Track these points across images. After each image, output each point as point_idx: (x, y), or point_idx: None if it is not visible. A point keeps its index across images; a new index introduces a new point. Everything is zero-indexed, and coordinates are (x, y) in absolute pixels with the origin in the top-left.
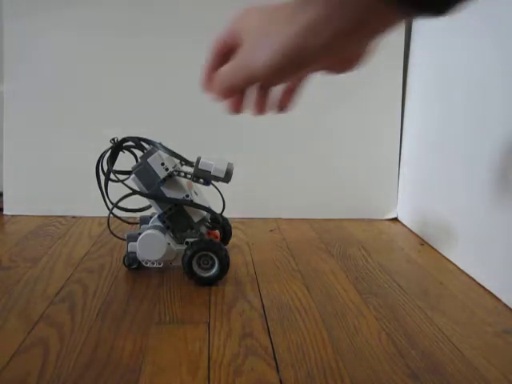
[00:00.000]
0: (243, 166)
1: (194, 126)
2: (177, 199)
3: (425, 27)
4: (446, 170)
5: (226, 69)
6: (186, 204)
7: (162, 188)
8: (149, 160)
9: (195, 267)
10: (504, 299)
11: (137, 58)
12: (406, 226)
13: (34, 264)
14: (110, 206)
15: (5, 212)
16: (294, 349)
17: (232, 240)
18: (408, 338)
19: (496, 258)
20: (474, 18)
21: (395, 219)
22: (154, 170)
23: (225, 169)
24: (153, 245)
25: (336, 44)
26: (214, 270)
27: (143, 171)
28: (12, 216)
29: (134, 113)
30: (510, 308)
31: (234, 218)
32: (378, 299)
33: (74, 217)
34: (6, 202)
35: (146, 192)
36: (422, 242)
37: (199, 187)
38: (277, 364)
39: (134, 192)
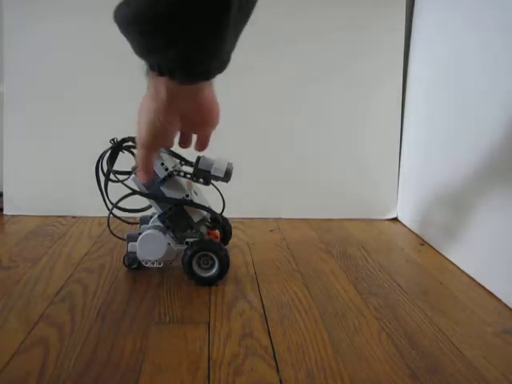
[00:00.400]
0: (243, 166)
1: None
2: (176, 199)
3: (425, 28)
4: (446, 169)
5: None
6: (185, 204)
7: (161, 188)
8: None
9: (195, 267)
10: (504, 299)
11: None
12: (406, 226)
13: (34, 264)
14: (110, 206)
15: (5, 212)
16: (294, 349)
17: (232, 240)
18: (408, 338)
19: (496, 257)
20: (480, 13)
21: (395, 219)
22: (153, 170)
23: (224, 169)
24: (153, 245)
25: (170, 113)
26: (214, 270)
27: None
28: (12, 216)
29: (134, 113)
30: (510, 308)
31: (234, 218)
32: (378, 299)
33: (74, 217)
34: (5, 202)
35: (146, 192)
36: (422, 242)
37: (199, 187)
38: (277, 364)
39: (134, 192)
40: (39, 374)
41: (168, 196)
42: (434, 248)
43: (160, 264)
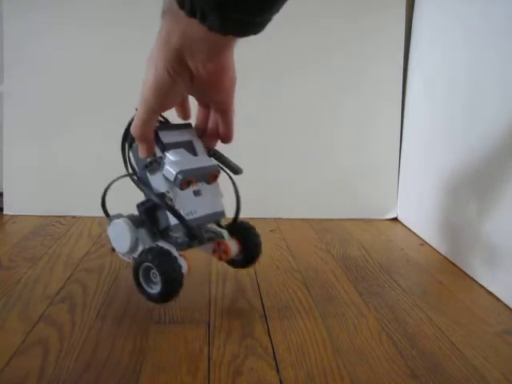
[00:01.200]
0: (243, 166)
1: None
2: (148, 192)
3: (424, 28)
4: (446, 170)
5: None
6: (154, 200)
7: (147, 174)
8: None
9: (142, 280)
10: (504, 299)
11: (139, 56)
12: (406, 226)
13: (33, 264)
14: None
15: (5, 212)
16: (294, 349)
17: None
18: (408, 338)
19: (496, 257)
20: (475, 15)
21: (395, 219)
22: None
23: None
24: (118, 236)
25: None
26: (158, 287)
27: (135, 149)
28: (12, 216)
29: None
30: (510, 308)
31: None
32: (378, 299)
33: (74, 217)
34: (5, 202)
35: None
36: (422, 242)
37: (213, 187)
38: (277, 364)
39: (125, 175)
40: (39, 374)
41: (152, 185)
42: (433, 248)
43: (129, 259)
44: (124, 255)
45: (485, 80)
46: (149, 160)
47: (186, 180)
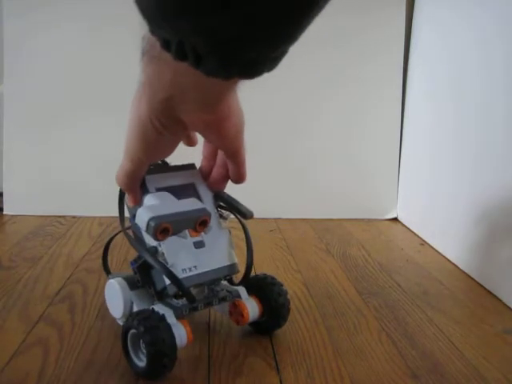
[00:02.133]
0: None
1: None
2: (138, 247)
3: (425, 27)
4: (446, 169)
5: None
6: (143, 256)
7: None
8: None
9: (130, 348)
10: (504, 299)
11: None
12: (405, 226)
13: (33, 264)
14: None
15: (5, 212)
16: (294, 349)
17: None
18: (408, 338)
19: (497, 258)
20: (480, 13)
21: (395, 219)
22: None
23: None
24: (112, 298)
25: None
26: (143, 361)
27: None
28: (12, 216)
29: None
30: (510, 308)
31: (234, 218)
32: (378, 299)
33: (74, 217)
34: (5, 202)
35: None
36: (422, 242)
37: (221, 236)
38: (277, 364)
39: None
40: (39, 374)
41: (144, 239)
42: (433, 248)
43: (122, 323)
44: (120, 320)
45: (487, 79)
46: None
47: (159, 228)
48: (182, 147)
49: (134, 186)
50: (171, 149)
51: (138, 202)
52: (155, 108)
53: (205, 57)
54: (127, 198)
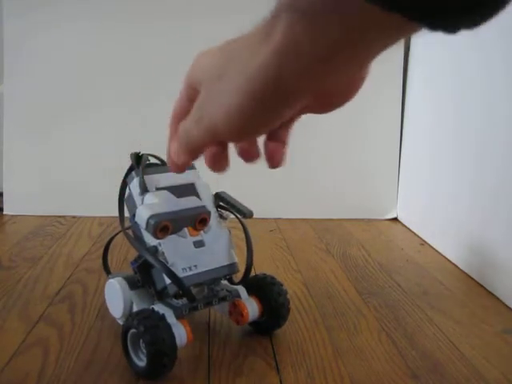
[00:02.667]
0: (243, 166)
1: None
2: (138, 246)
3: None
4: (446, 169)
5: (184, 126)
6: (144, 256)
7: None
8: (130, 185)
9: (130, 347)
10: (504, 299)
11: (139, 59)
12: (405, 226)
13: (33, 264)
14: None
15: (5, 212)
16: (294, 349)
17: (232, 240)
18: (408, 338)
19: (497, 258)
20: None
21: (395, 219)
22: (133, 200)
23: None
24: (112, 298)
25: (320, 70)
26: (143, 360)
27: (128, 197)
28: (12, 216)
29: (135, 113)
30: (510, 308)
31: (234, 218)
32: (378, 299)
33: (74, 217)
34: (5, 202)
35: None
36: (422, 242)
37: (221, 236)
38: (277, 364)
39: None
40: (39, 374)
41: (144, 238)
42: (433, 248)
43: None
44: (120, 320)
45: (487, 79)
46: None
47: (159, 226)
48: None
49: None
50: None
51: (183, 170)
52: (294, 74)
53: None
54: (179, 157)
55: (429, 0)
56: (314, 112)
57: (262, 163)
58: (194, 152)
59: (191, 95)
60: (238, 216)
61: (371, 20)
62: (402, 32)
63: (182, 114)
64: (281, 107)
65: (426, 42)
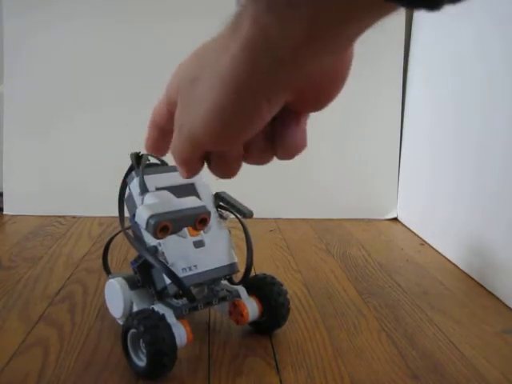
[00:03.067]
0: (243, 167)
1: None
2: (138, 246)
3: (425, 27)
4: (446, 169)
5: (173, 142)
6: (144, 256)
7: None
8: (130, 185)
9: (130, 347)
10: (504, 299)
11: (139, 59)
12: (405, 226)
13: (33, 264)
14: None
15: (5, 212)
16: (294, 349)
17: (232, 240)
18: (408, 338)
19: (497, 258)
20: (479, 13)
21: (395, 219)
22: (133, 200)
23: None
24: (112, 298)
25: (294, 60)
26: (143, 360)
27: (128, 197)
28: (12, 216)
29: (135, 113)
30: (510, 308)
31: (234, 218)
32: (378, 299)
33: (74, 217)
34: (5, 202)
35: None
36: (422, 242)
37: (221, 236)
38: (277, 364)
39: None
40: (39, 374)
41: (144, 238)
42: (433, 248)
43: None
44: (120, 320)
45: (487, 79)
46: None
47: (159, 226)
48: None
49: (193, 161)
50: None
51: (195, 174)
52: (266, 66)
53: None
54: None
55: None
56: (303, 110)
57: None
58: (187, 164)
59: (171, 110)
60: (238, 216)
61: (342, 3)
62: (380, 13)
63: (160, 123)
64: (259, 105)
65: (427, 43)
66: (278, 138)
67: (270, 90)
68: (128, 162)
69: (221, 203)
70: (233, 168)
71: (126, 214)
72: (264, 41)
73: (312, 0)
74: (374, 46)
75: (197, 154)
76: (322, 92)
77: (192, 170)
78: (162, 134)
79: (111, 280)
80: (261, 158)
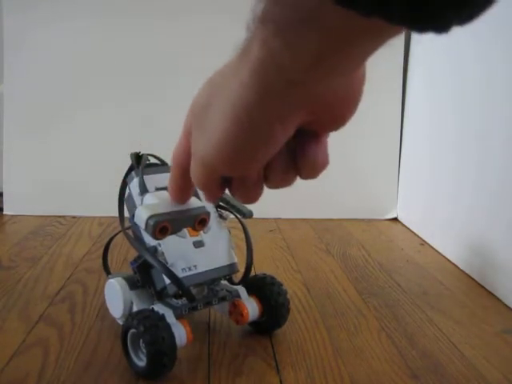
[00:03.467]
0: None
1: None
2: (138, 246)
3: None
4: (446, 169)
5: (191, 168)
6: (144, 256)
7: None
8: (130, 185)
9: (130, 347)
10: (504, 299)
11: (139, 59)
12: (405, 226)
13: (33, 264)
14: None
15: (5, 212)
16: (294, 349)
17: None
18: (408, 338)
19: (497, 258)
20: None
21: (395, 219)
22: (133, 200)
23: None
24: (112, 298)
25: (306, 81)
26: (143, 360)
27: (128, 198)
28: (12, 216)
29: (135, 113)
30: (510, 308)
31: (234, 218)
32: (378, 299)
33: (74, 217)
34: (5, 202)
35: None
36: (422, 242)
37: (221, 236)
38: (277, 364)
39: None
40: (39, 374)
41: (144, 239)
42: (433, 248)
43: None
44: (120, 320)
45: (486, 79)
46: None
47: (158, 226)
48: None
49: (213, 186)
50: (266, 159)
51: (217, 198)
52: (276, 89)
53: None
54: (204, 195)
55: (410, 1)
56: (320, 130)
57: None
58: (206, 189)
59: (190, 142)
60: (238, 216)
61: (353, 26)
62: (387, 35)
63: (181, 161)
64: (272, 129)
65: (426, 43)
66: (300, 158)
67: (282, 113)
68: (128, 162)
69: (220, 203)
70: (253, 192)
71: (126, 214)
72: (273, 64)
73: (319, 25)
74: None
75: (213, 179)
76: (335, 112)
77: (212, 194)
78: (184, 173)
79: (111, 280)
80: (283, 181)
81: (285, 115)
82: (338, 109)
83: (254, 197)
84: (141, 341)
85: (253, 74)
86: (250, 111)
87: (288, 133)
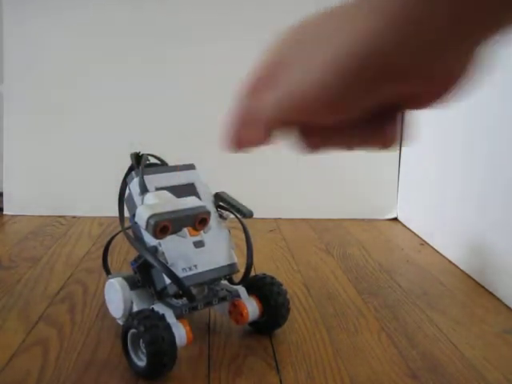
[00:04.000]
0: (243, 166)
1: (194, 125)
2: (138, 246)
3: None
4: (446, 169)
5: (266, 101)
6: (144, 256)
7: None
8: (130, 185)
9: (130, 347)
10: (504, 299)
11: (138, 59)
12: (405, 226)
13: (34, 264)
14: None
15: (5, 212)
16: (293, 349)
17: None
18: (408, 338)
19: (497, 258)
20: None
21: (395, 219)
22: (133, 199)
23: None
24: (112, 298)
25: (433, 45)
26: (143, 360)
27: (128, 197)
28: (12, 216)
29: (135, 113)
30: (510, 308)
31: (234, 218)
32: (378, 299)
33: (74, 217)
34: (5, 202)
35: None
36: (422, 242)
37: (221, 236)
38: (277, 364)
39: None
40: (39, 374)
41: (144, 238)
42: (434, 248)
43: (122, 322)
44: (120, 320)
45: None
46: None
47: (159, 226)
48: (178, 147)
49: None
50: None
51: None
52: (409, 44)
53: None
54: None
55: None
56: (410, 105)
57: (262, 164)
58: (256, 128)
59: (273, 71)
60: (238, 216)
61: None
62: None
63: (259, 87)
64: (379, 78)
65: None
66: (373, 130)
67: (396, 76)
68: (128, 162)
69: (221, 203)
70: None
71: (126, 213)
72: (409, 16)
73: None
74: None
75: (282, 121)
76: (436, 87)
77: (254, 139)
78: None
79: (111, 280)
80: (341, 144)
81: (397, 79)
82: (436, 87)
83: (315, 147)
84: (141, 341)
85: (383, 28)
86: (365, 66)
87: (387, 96)
